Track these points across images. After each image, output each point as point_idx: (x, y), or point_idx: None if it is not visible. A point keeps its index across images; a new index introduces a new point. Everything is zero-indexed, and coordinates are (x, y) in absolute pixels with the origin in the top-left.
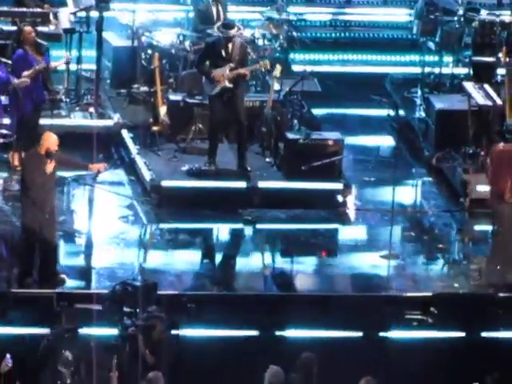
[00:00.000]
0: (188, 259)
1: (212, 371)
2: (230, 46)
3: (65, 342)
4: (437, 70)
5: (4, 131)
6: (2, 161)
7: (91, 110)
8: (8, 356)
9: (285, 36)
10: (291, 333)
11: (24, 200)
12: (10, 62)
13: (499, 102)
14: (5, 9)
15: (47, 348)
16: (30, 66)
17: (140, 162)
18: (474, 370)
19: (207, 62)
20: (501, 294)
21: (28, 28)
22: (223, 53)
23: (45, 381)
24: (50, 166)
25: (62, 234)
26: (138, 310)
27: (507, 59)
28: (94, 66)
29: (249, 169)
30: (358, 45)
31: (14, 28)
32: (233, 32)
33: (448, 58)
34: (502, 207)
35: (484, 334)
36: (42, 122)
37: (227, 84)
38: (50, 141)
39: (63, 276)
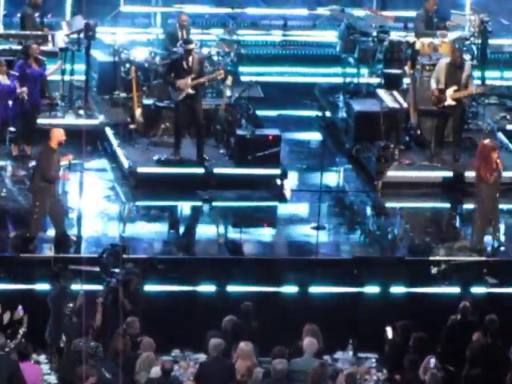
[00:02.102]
0: (158, 230)
1: (178, 319)
2: (190, 60)
3: (64, 296)
4: (355, 80)
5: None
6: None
7: (81, 111)
8: (20, 307)
9: (235, 53)
10: (241, 288)
11: (36, 184)
12: (17, 73)
13: (405, 105)
14: (13, 32)
15: (52, 301)
16: (29, 74)
17: (120, 152)
18: (386, 317)
19: (172, 74)
20: (407, 258)
21: (35, 46)
22: (185, 66)
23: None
24: (64, 157)
25: None
26: (113, 269)
27: (411, 71)
28: (83, 77)
29: (206, 158)
30: (293, 59)
31: (19, 47)
32: (191, 46)
33: (364, 70)
34: (482, 188)
35: (393, 290)
36: (43, 121)
37: (190, 91)
38: (60, 134)
39: (73, 237)
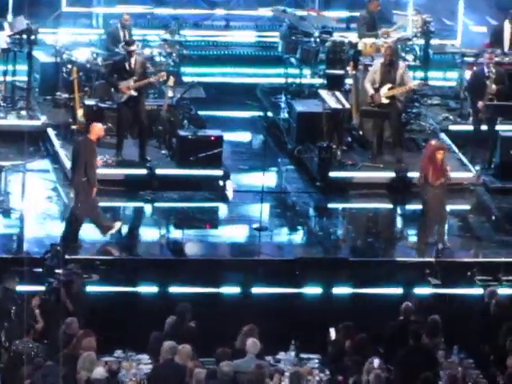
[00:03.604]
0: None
1: (120, 320)
2: (132, 62)
3: (6, 297)
4: (298, 81)
5: None
6: None
7: (23, 112)
8: None
9: (177, 53)
10: (183, 289)
11: (79, 179)
12: None
13: (347, 105)
14: None
15: None
16: None
17: (62, 153)
18: (329, 318)
19: (115, 76)
20: (350, 259)
21: None
22: (127, 68)
23: None
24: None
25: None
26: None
27: (353, 72)
28: (25, 78)
29: (148, 159)
30: (235, 60)
31: None
32: (132, 48)
33: (307, 71)
34: (426, 189)
35: (336, 291)
36: None
37: (132, 93)
38: (99, 129)
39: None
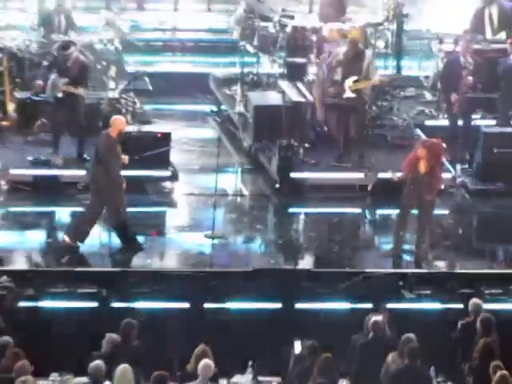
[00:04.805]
0: (34, 239)
1: (58, 338)
2: (68, 63)
3: None
4: (255, 70)
5: None
6: None
7: None
8: None
9: (119, 40)
10: (126, 304)
11: (101, 179)
12: None
13: (311, 98)
14: None
15: None
16: None
17: None
18: (289, 336)
19: (54, 70)
20: (312, 270)
21: None
22: (63, 66)
23: None
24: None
25: None
26: None
27: (317, 60)
28: None
29: (87, 158)
30: (185, 47)
31: None
32: (68, 51)
33: (264, 59)
34: (404, 191)
35: (298, 306)
36: None
37: (59, 95)
38: (120, 123)
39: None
